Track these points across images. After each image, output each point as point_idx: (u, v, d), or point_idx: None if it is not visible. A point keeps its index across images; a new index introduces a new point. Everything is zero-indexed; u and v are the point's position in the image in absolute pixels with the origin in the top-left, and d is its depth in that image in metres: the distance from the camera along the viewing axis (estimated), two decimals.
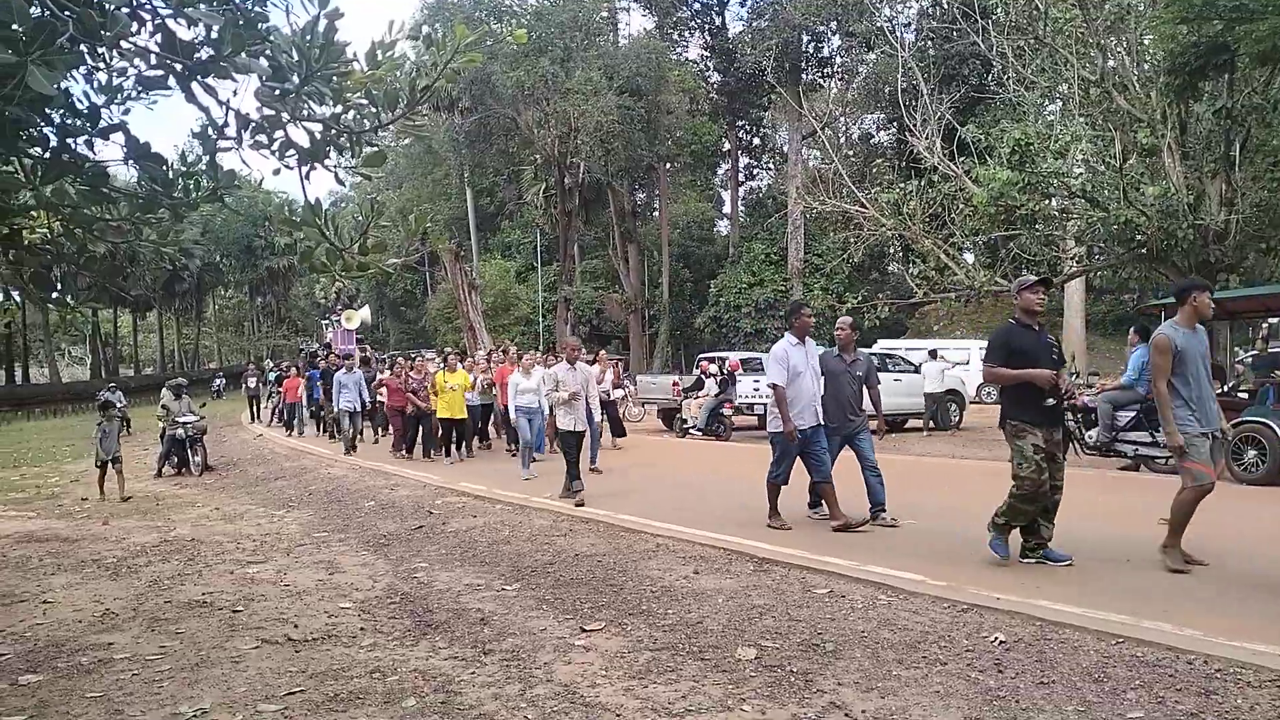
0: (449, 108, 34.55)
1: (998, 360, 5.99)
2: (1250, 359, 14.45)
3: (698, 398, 18.38)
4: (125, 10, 3.27)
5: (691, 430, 18.05)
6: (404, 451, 14.76)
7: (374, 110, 3.80)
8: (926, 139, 19.06)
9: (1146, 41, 15.85)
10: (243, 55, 3.37)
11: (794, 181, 34.63)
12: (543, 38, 31.72)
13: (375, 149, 3.97)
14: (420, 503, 10.29)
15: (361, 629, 5.38)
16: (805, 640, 4.65)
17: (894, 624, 4.84)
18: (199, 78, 3.47)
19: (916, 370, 18.03)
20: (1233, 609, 4.86)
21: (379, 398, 16.97)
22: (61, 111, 3.52)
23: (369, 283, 49.10)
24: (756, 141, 47.07)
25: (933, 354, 18.23)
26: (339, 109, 3.77)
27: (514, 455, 13.33)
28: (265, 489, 13.15)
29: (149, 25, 3.46)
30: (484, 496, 10.28)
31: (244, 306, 68.87)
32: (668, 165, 40.15)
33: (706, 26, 39.66)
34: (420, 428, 14.60)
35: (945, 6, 28.36)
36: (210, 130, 3.74)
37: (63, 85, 3.27)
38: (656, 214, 44.81)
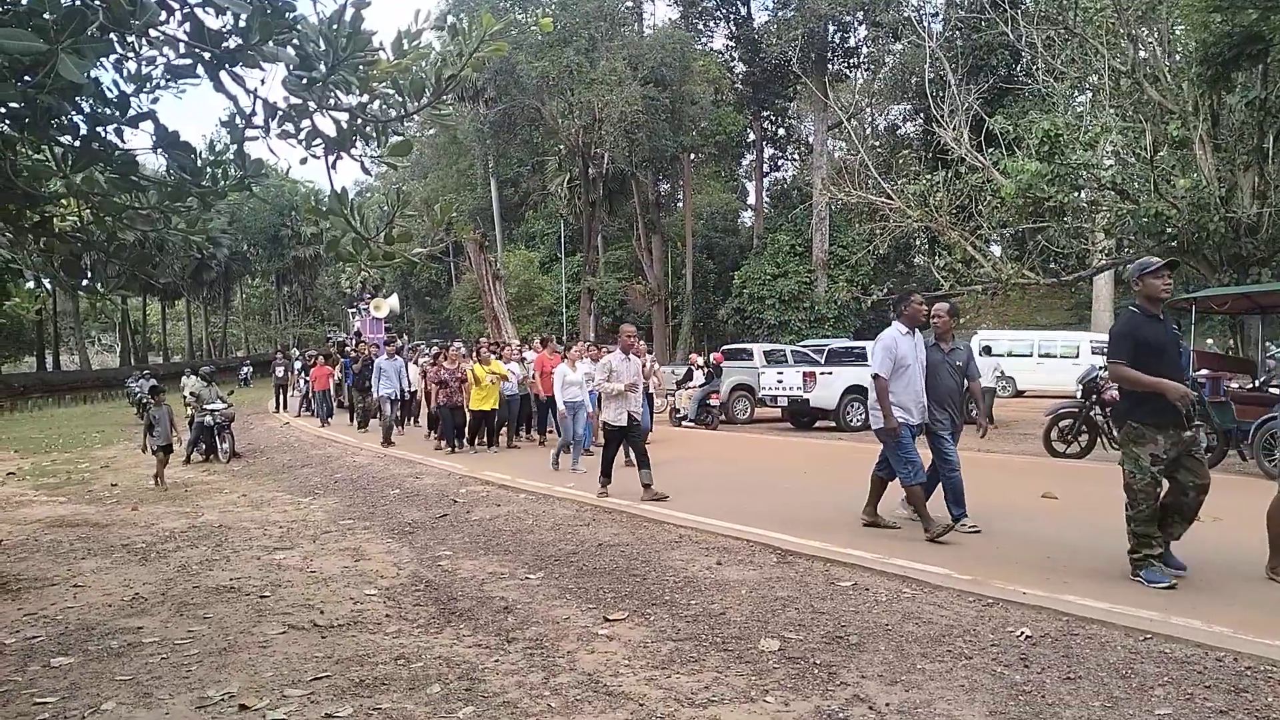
0: (474, 98, 34.58)
1: (1126, 356, 5.28)
2: None
3: (689, 388, 18.55)
4: None
5: (684, 421, 18.33)
6: (451, 445, 14.04)
7: (400, 99, 3.80)
8: (954, 130, 18.87)
9: (1178, 31, 15.61)
10: (270, 44, 3.38)
11: (819, 172, 34.41)
12: (567, 28, 31.69)
13: (401, 138, 3.98)
14: (444, 491, 10.33)
15: (386, 616, 5.41)
16: (829, 632, 4.63)
17: (919, 617, 4.81)
18: (227, 66, 3.49)
19: None
20: (1264, 606, 4.79)
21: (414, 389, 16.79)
22: (91, 100, 3.55)
23: (394, 273, 49.22)
24: (781, 132, 46.78)
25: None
26: (365, 98, 3.79)
27: (543, 445, 13.13)
28: (291, 476, 13.25)
29: (178, 14, 3.48)
30: (508, 486, 10.31)
31: (270, 295, 69.36)
32: (692, 156, 39.99)
33: (731, 16, 39.43)
34: (454, 419, 14.15)
35: None
36: (238, 119, 3.76)
37: (93, 74, 3.30)
38: (680, 205, 44.72)
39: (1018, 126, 17.20)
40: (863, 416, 17.08)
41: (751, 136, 43.57)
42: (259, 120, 3.72)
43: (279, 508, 10.27)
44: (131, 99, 3.69)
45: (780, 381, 17.93)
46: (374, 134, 3.89)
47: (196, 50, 3.43)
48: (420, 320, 59.85)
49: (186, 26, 3.47)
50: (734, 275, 38.67)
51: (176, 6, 3.49)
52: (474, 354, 14.34)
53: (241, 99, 3.68)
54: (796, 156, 49.34)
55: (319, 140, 3.78)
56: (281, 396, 26.67)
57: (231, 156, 3.91)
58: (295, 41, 3.49)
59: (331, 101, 3.71)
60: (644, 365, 10.78)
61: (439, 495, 10.13)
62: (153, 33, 3.42)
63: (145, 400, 18.52)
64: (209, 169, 3.88)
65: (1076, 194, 16.23)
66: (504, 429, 14.68)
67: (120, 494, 12.23)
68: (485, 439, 14.23)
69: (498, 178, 45.92)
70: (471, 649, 4.69)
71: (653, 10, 40.10)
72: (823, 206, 34.30)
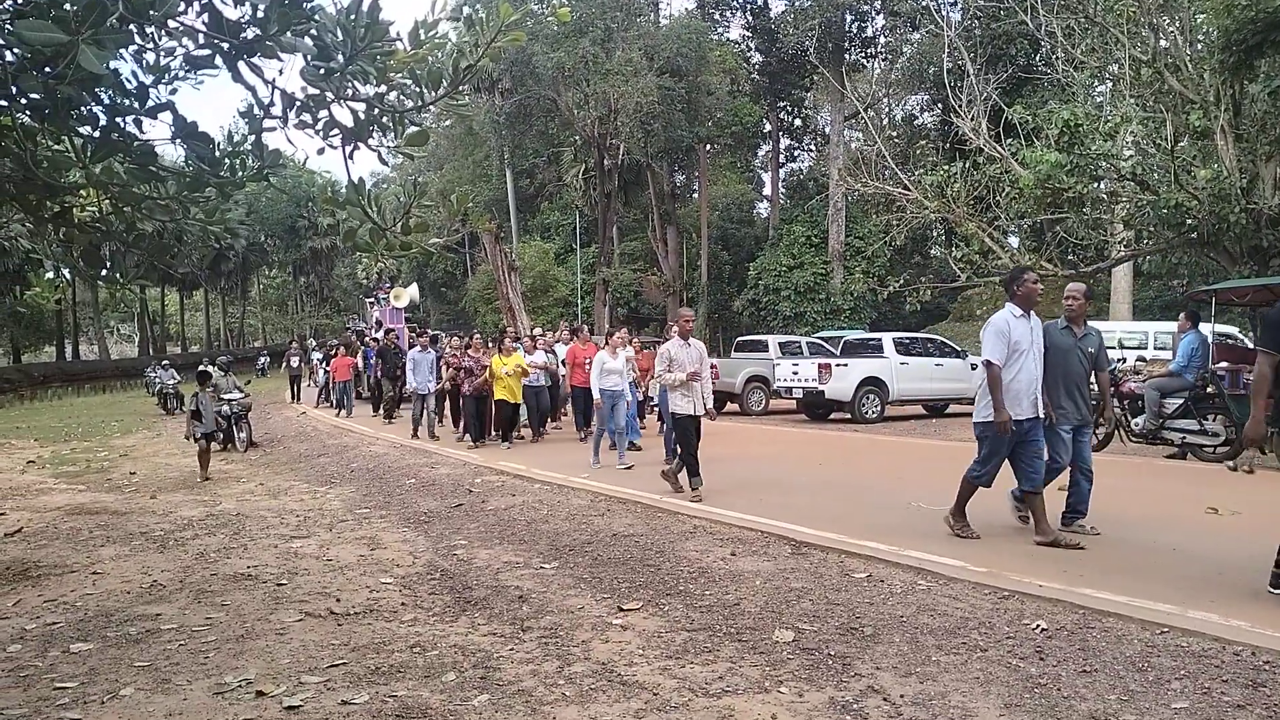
0: (490, 89, 34.56)
1: (1276, 349, 4.81)
2: None
3: None
4: None
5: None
6: (474, 438, 13.69)
7: (417, 90, 3.80)
8: (972, 120, 18.72)
9: (1199, 20, 15.42)
10: (288, 34, 3.38)
11: (836, 163, 34.22)
12: (583, 18, 31.58)
13: (418, 129, 3.98)
14: (460, 481, 10.38)
15: (402, 604, 5.45)
16: (843, 624, 4.63)
17: (934, 609, 4.80)
18: (245, 57, 3.50)
19: (960, 355, 17.86)
20: None
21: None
22: (111, 91, 3.57)
23: (410, 263, 49.46)
24: (798, 123, 46.54)
25: None
26: (383, 88, 3.79)
27: (583, 441, 12.84)
28: (308, 465, 13.33)
29: (196, 4, 3.49)
30: (523, 475, 10.35)
31: (288, 286, 69.67)
32: (708, 147, 39.83)
33: (748, 6, 39.22)
34: (477, 409, 13.72)
35: None
36: (256, 109, 3.77)
37: (112, 65, 3.31)
38: (696, 196, 44.56)
39: (1036, 116, 17.03)
40: (878, 409, 17.06)
41: (768, 127, 43.37)
42: (277, 111, 3.73)
43: (296, 496, 10.34)
44: (150, 90, 3.70)
45: (795, 373, 17.90)
46: (391, 124, 3.89)
47: (215, 41, 3.44)
48: (436, 311, 60.01)
49: (205, 17, 3.48)
50: (749, 266, 38.55)
51: None
52: (496, 345, 13.65)
53: (259, 89, 3.69)
54: (813, 147, 49.09)
55: (336, 131, 3.79)
56: (295, 388, 26.78)
57: (249, 147, 3.93)
58: (313, 32, 3.50)
59: (349, 92, 3.71)
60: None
61: (454, 485, 10.17)
62: (172, 24, 3.43)
63: (177, 388, 18.13)
64: (227, 159, 3.89)
65: (1096, 185, 16.07)
66: (525, 422, 14.15)
67: (139, 482, 12.34)
68: (503, 433, 13.54)
69: (513, 169, 45.96)
70: (486, 638, 4.71)
71: (669, 0, 39.91)
72: (839, 197, 34.15)
